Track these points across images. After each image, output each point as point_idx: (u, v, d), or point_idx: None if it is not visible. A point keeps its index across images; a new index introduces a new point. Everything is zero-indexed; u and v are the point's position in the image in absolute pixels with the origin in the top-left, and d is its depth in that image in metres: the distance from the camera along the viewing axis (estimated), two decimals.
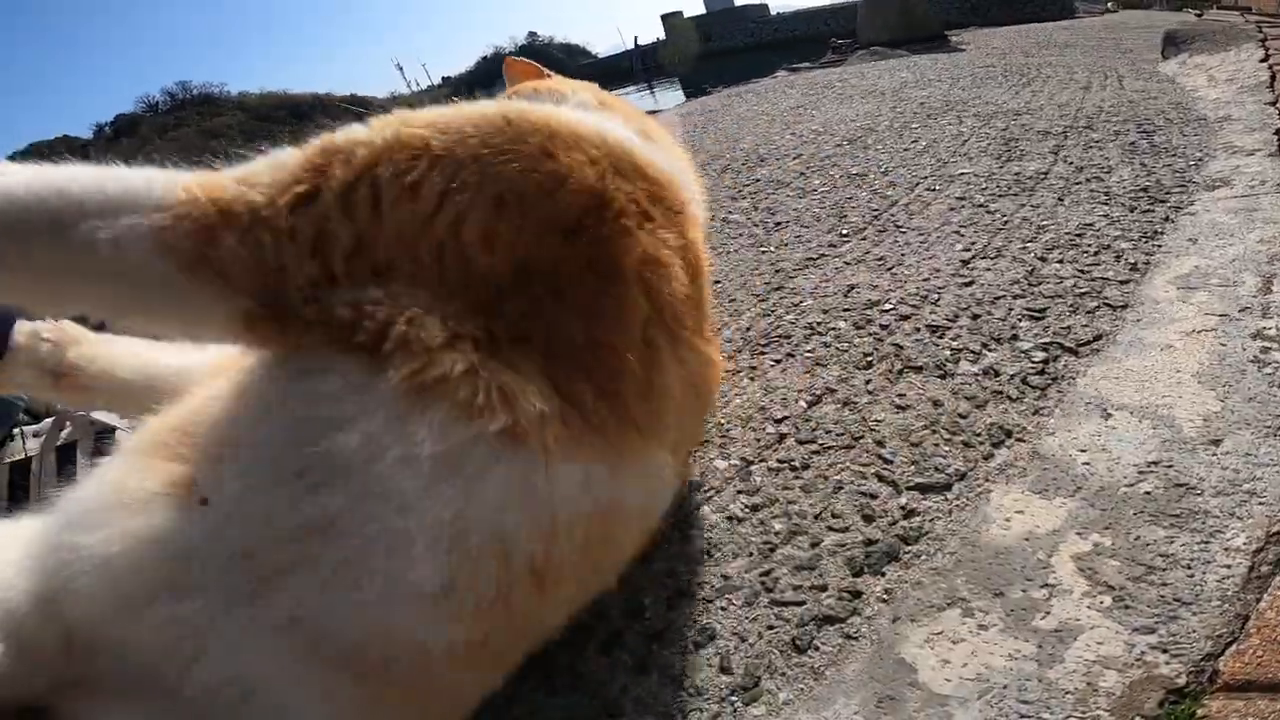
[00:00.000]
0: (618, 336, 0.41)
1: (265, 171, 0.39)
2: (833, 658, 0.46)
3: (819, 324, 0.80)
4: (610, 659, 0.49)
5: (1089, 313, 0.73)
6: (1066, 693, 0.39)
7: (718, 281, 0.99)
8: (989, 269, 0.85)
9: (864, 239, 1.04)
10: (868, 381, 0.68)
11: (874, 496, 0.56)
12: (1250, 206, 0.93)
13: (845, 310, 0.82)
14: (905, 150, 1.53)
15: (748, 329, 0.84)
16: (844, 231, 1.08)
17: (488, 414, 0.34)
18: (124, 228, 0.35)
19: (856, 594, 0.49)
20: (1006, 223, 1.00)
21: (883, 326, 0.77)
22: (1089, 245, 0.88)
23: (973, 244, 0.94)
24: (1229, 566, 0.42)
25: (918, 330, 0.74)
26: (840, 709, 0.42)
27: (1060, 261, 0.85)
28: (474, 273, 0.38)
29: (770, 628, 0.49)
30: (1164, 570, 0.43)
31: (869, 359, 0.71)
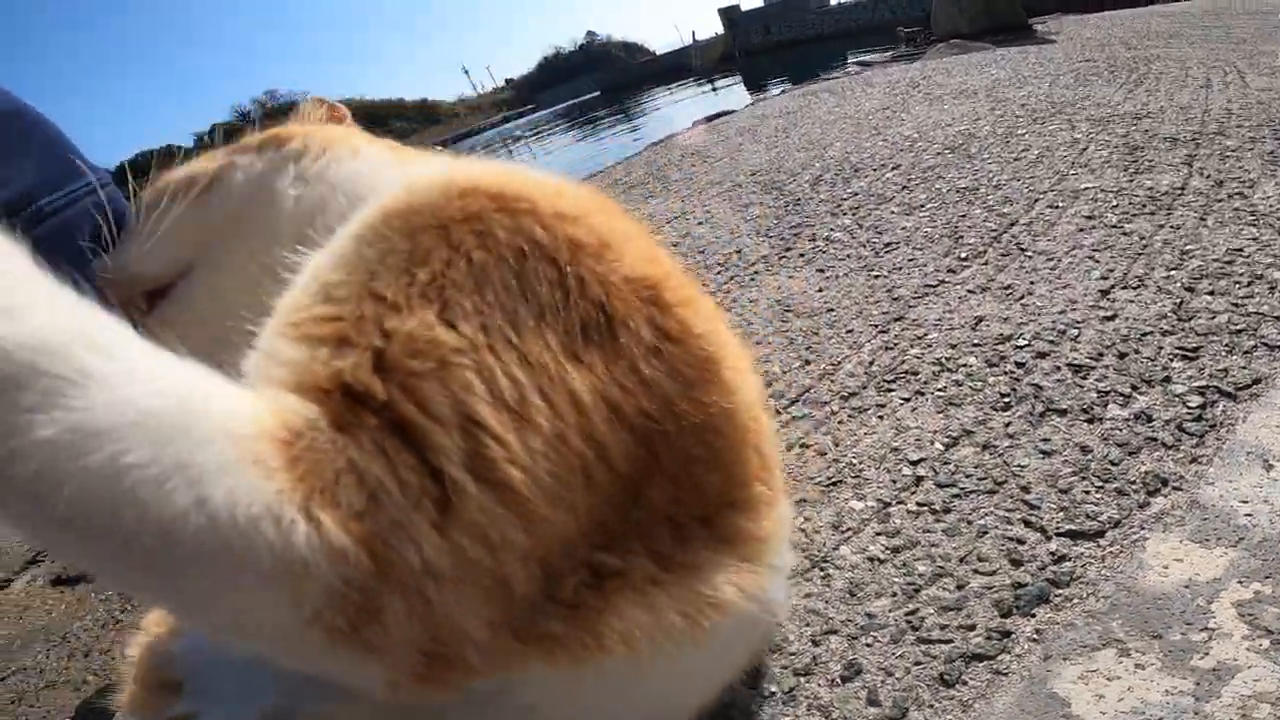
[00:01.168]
0: (735, 506, 0.38)
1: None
2: (981, 691, 0.49)
3: (948, 360, 0.81)
4: (756, 690, 0.53)
5: (1246, 353, 0.71)
6: None
7: (831, 309, 1.01)
8: (1132, 300, 0.84)
9: (985, 263, 1.04)
10: (1007, 424, 0.69)
11: (1021, 542, 0.58)
12: None
13: (975, 345, 0.83)
14: (1016, 160, 1.49)
15: (870, 363, 0.86)
16: (962, 255, 1.08)
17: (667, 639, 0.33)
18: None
19: (1006, 634, 0.52)
20: (1146, 246, 0.97)
21: (1018, 364, 0.77)
22: (1240, 275, 0.85)
23: (1110, 271, 0.92)
24: None
25: (1058, 369, 0.75)
26: None
27: (1211, 293, 0.82)
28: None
29: (917, 664, 0.52)
30: None
31: (1007, 400, 0.72)
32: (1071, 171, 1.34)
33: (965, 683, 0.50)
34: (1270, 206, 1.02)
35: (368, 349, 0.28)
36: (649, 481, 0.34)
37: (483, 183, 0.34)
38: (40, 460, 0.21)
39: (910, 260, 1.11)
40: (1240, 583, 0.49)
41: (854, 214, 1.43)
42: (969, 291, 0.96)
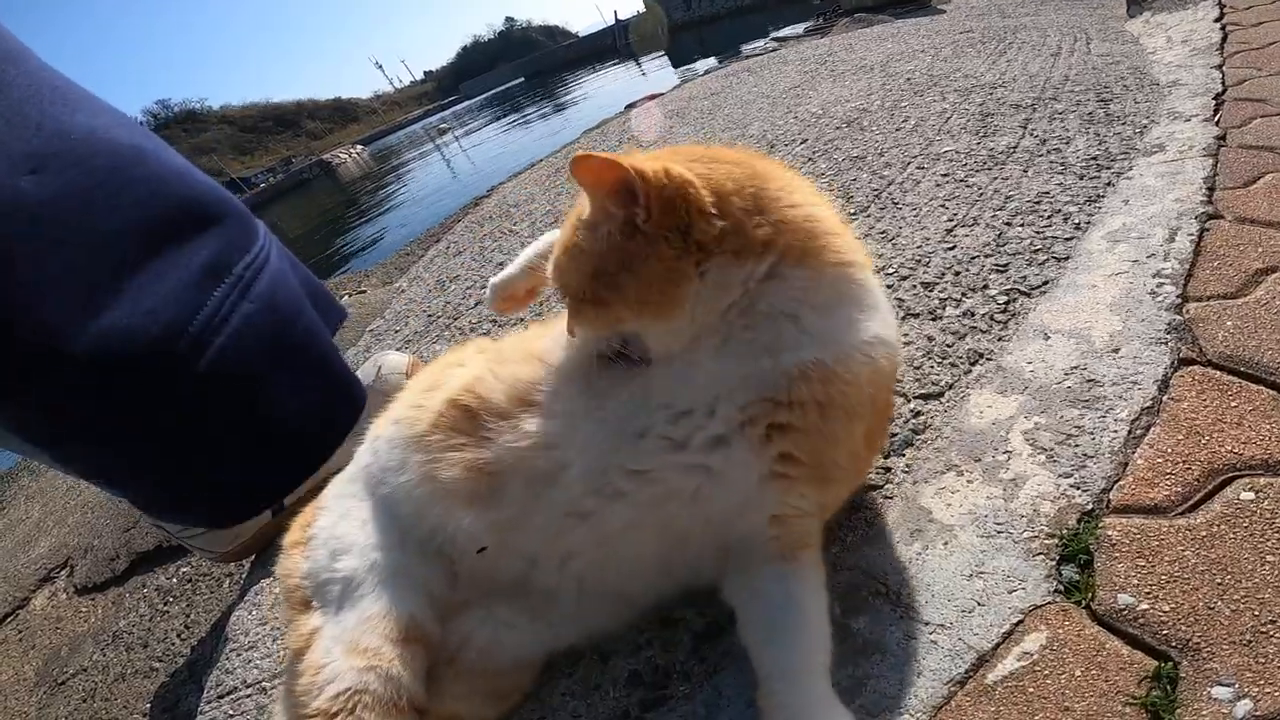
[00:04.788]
0: None
1: None
2: (878, 511, 0.67)
3: None
4: None
5: (1040, 264, 0.94)
6: (1021, 516, 0.61)
7: None
8: (967, 235, 1.06)
9: (868, 215, 1.25)
10: None
11: (893, 405, 0.78)
12: (1175, 170, 1.12)
13: None
14: (897, 130, 1.71)
15: None
16: (851, 211, 1.29)
17: None
18: None
19: (888, 469, 0.72)
20: (981, 194, 1.20)
21: (887, 286, 0.98)
22: (1045, 210, 1.09)
23: (955, 215, 1.14)
24: (1117, 432, 0.64)
25: (915, 287, 0.96)
26: (889, 540, 0.64)
27: (1022, 225, 1.06)
28: None
29: None
30: (1077, 436, 0.66)
31: None
32: (937, 138, 1.57)
33: (867, 507, 0.68)
34: (1078, 158, 1.27)
35: None
36: None
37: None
38: None
39: None
40: (1025, 417, 0.71)
41: None
42: (856, 238, 1.17)
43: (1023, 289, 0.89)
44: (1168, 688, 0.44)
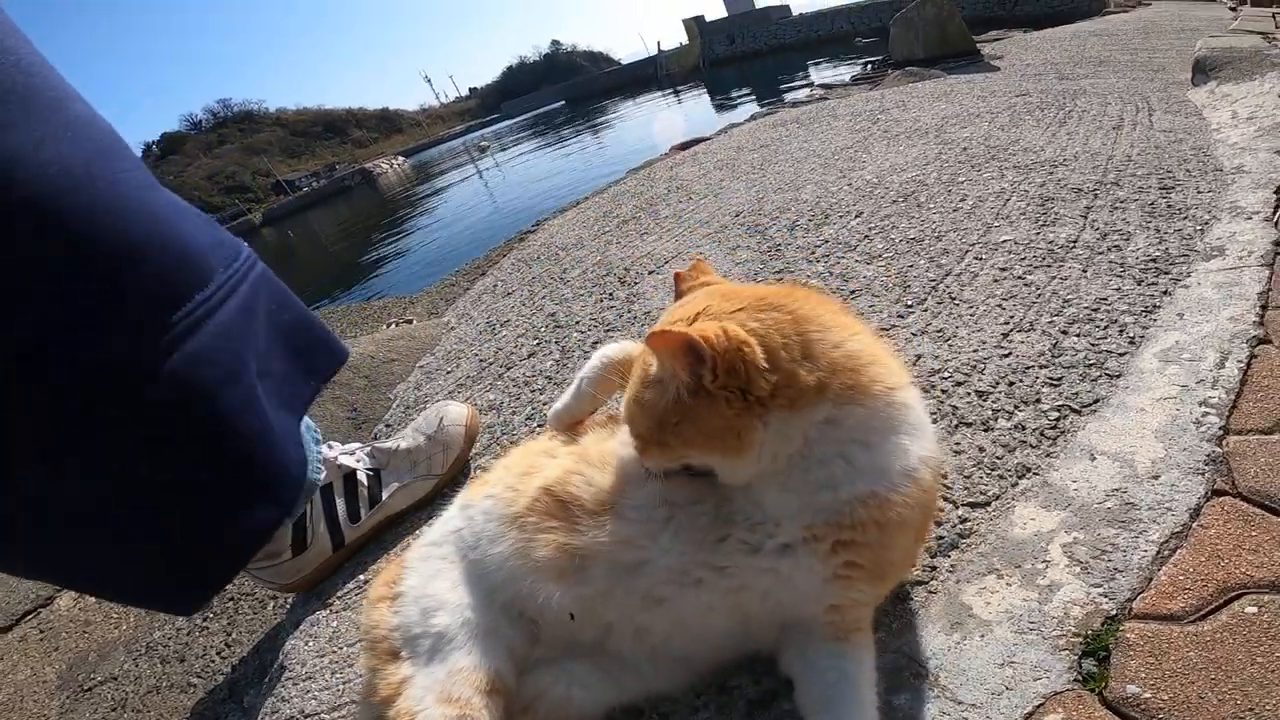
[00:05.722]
0: None
1: None
2: (922, 603, 0.80)
3: None
4: None
5: (1093, 380, 1.05)
6: (1053, 617, 0.72)
7: None
8: (1023, 341, 1.18)
9: (925, 310, 1.38)
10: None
11: (941, 510, 0.91)
12: (1233, 280, 1.22)
13: (915, 378, 1.15)
14: (955, 211, 1.83)
15: None
16: (909, 303, 1.42)
17: None
18: None
19: (934, 568, 0.84)
20: (1039, 295, 1.31)
21: (943, 391, 1.11)
22: (1101, 319, 1.19)
23: (1011, 318, 1.26)
24: (1146, 552, 0.76)
25: (969, 394, 1.09)
26: (930, 630, 0.76)
27: (1078, 335, 1.16)
28: None
29: None
30: (1111, 553, 0.77)
31: (934, 416, 1.06)
32: (995, 224, 1.68)
33: (912, 599, 0.80)
34: (1138, 258, 1.35)
35: None
36: None
37: None
38: None
39: (870, 306, 1.45)
40: (1065, 532, 0.82)
41: (825, 261, 1.76)
42: (912, 334, 1.30)
43: (1074, 406, 1.01)
44: None
